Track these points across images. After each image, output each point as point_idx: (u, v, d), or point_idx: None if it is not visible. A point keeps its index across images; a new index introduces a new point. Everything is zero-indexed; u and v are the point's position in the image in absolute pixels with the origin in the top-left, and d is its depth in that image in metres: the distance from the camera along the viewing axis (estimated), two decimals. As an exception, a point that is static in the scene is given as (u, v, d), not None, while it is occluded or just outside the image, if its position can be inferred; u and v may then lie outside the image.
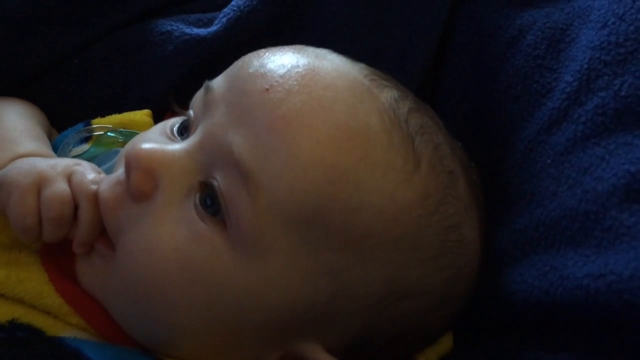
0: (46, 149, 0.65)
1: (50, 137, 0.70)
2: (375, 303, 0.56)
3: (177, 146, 0.57)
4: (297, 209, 0.52)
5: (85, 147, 0.67)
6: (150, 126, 0.68)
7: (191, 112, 0.59)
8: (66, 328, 0.56)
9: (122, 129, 0.69)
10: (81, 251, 0.57)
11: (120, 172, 0.57)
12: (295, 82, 0.55)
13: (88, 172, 0.59)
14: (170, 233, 0.54)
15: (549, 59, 0.67)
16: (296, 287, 0.54)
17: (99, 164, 0.64)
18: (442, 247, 0.57)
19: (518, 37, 0.71)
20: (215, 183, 0.54)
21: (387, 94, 0.58)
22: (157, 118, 0.71)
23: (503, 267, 0.62)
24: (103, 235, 0.57)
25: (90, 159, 0.66)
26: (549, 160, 0.63)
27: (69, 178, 0.58)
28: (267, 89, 0.54)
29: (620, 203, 0.55)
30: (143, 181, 0.55)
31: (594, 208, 0.56)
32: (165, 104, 0.74)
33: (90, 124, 0.69)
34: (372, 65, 0.62)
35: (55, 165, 0.59)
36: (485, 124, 0.72)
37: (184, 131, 0.60)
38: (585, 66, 0.62)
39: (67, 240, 0.58)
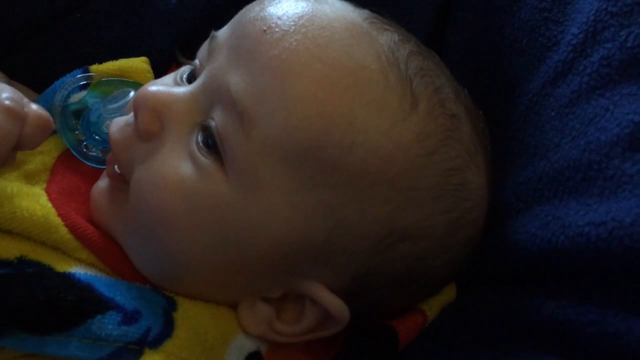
0: None
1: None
2: (374, 243, 0.56)
3: (182, 89, 0.59)
4: (291, 145, 0.54)
5: (83, 93, 0.68)
6: (148, 73, 0.70)
7: (197, 62, 0.61)
8: (75, 264, 0.58)
9: (119, 79, 0.69)
10: None
11: (129, 115, 0.60)
12: (292, 23, 0.56)
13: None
14: (175, 167, 0.56)
15: (556, 11, 0.67)
16: (293, 223, 0.55)
17: (109, 103, 0.66)
18: (443, 190, 0.57)
19: (525, -10, 0.70)
20: (212, 123, 0.56)
21: (387, 37, 0.58)
22: (161, 72, 0.70)
23: (506, 220, 0.62)
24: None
25: (91, 105, 0.67)
26: (553, 113, 0.63)
27: None
28: (265, 30, 0.56)
29: (623, 152, 0.55)
30: (150, 121, 0.58)
31: (597, 158, 0.56)
32: (168, 58, 0.74)
33: (88, 71, 0.69)
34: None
35: None
36: (490, 78, 0.71)
37: (192, 79, 0.61)
38: (592, 18, 0.62)
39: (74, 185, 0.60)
